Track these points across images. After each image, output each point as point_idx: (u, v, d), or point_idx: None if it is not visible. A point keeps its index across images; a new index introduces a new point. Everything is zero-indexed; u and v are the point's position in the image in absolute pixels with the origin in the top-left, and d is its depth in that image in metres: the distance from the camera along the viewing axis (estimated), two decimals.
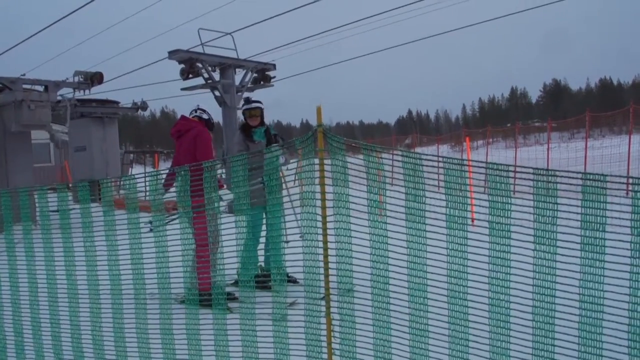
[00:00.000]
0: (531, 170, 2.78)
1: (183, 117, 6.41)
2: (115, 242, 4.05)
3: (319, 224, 3.32)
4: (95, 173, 19.57)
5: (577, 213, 2.76)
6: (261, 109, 6.95)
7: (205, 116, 6.38)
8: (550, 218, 2.80)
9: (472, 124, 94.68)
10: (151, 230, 4.06)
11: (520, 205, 2.91)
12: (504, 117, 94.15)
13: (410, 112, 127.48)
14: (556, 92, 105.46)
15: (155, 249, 3.91)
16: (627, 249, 2.70)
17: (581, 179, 2.75)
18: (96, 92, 20.46)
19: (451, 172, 2.95)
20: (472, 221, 3.17)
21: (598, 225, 2.74)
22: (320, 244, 3.34)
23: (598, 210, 2.72)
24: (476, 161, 2.98)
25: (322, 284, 3.38)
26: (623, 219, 2.73)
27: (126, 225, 4.05)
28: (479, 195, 3.02)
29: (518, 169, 2.84)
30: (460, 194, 2.96)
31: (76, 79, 16.42)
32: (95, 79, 16.56)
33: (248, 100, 7.21)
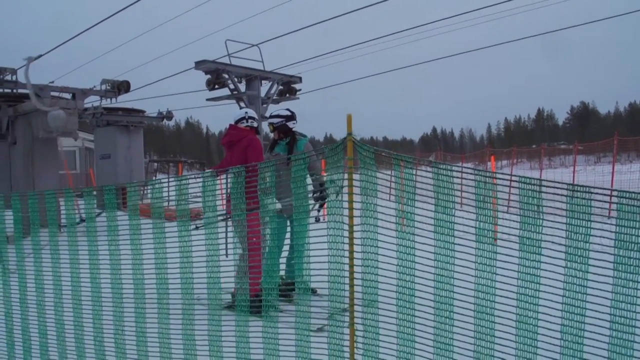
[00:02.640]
0: (565, 186, 2.73)
1: (233, 126, 6.43)
2: (149, 247, 4.06)
3: (346, 234, 3.30)
4: (119, 181, 19.75)
5: (611, 232, 2.71)
6: (273, 124, 6.91)
7: (255, 124, 6.41)
8: (582, 236, 2.75)
9: (497, 143, 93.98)
10: (196, 228, 4.07)
11: (551, 221, 2.86)
12: (530, 138, 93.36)
13: (434, 130, 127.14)
14: (584, 115, 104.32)
15: (191, 253, 3.92)
16: None
17: (617, 196, 2.70)
18: (122, 101, 20.76)
19: (481, 186, 2.92)
20: (496, 239, 3.12)
21: (632, 244, 2.68)
22: (346, 254, 3.32)
23: (632, 230, 2.67)
24: (510, 174, 2.94)
25: (347, 294, 3.35)
26: None
27: (154, 230, 4.07)
28: (510, 210, 2.98)
29: (551, 185, 2.80)
30: (490, 208, 2.92)
31: (103, 87, 16.66)
32: (122, 87, 16.79)
33: (271, 116, 7.21)
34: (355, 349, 3.37)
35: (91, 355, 4.30)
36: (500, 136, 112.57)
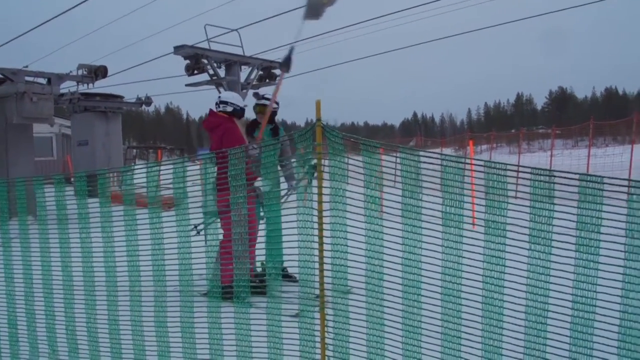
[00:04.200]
0: (529, 170, 2.78)
1: (211, 111, 6.27)
2: (120, 235, 4.04)
3: (315, 219, 3.32)
4: (97, 167, 19.53)
5: (573, 214, 2.76)
6: (266, 106, 6.75)
7: (229, 109, 6.16)
8: (546, 219, 2.80)
9: (476, 128, 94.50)
10: (198, 233, 4.04)
11: (517, 205, 2.91)
12: (509, 122, 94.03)
13: (415, 115, 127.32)
14: (562, 100, 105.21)
15: (172, 240, 3.90)
16: (622, 251, 2.71)
17: (579, 179, 2.75)
18: (100, 86, 20.51)
19: (449, 170, 2.95)
20: (473, 222, 3.17)
21: (593, 226, 2.74)
22: (316, 239, 3.34)
23: (593, 212, 2.73)
24: (476, 159, 2.98)
25: (317, 279, 3.38)
26: (619, 220, 2.73)
27: (129, 218, 4.05)
28: (477, 195, 3.02)
29: (515, 169, 2.85)
30: (457, 192, 2.96)
31: (80, 72, 16.42)
32: (99, 72, 16.58)
33: (258, 96, 7.11)
34: (325, 333, 3.41)
35: (63, 345, 4.28)
36: (480, 121, 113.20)
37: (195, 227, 4.14)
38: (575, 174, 2.76)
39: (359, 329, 3.33)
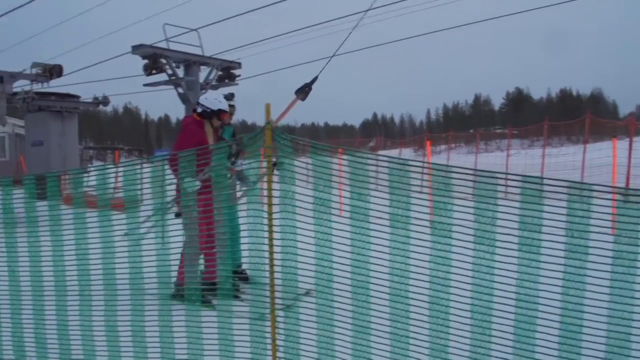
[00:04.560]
0: (472, 172, 2.85)
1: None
2: (69, 237, 3.97)
3: (265, 221, 3.34)
4: (52, 169, 19.06)
5: (516, 214, 2.85)
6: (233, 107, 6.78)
7: (199, 110, 6.17)
8: (490, 219, 2.88)
9: (435, 129, 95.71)
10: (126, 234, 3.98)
11: (462, 206, 2.98)
12: (467, 123, 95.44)
13: (375, 115, 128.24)
14: (518, 101, 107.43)
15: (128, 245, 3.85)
16: (562, 250, 2.80)
17: (520, 180, 2.84)
18: (56, 86, 20.10)
19: (395, 172, 3.01)
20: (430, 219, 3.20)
21: (535, 226, 2.83)
22: (266, 241, 3.36)
23: (534, 212, 2.81)
24: (418, 161, 3.04)
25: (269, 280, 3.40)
26: (559, 220, 2.82)
27: (78, 220, 3.98)
28: (424, 197, 3.08)
29: (461, 171, 2.92)
30: (404, 194, 3.01)
31: (34, 71, 16.04)
32: (54, 71, 16.26)
33: (227, 97, 6.86)
34: (276, 334, 3.43)
35: (8, 351, 4.19)
36: (439, 121, 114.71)
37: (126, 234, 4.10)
38: (517, 175, 2.85)
39: (310, 330, 3.36)
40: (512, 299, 2.89)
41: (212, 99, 6.18)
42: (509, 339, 2.93)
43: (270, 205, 3.30)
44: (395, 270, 3.08)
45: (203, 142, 5.91)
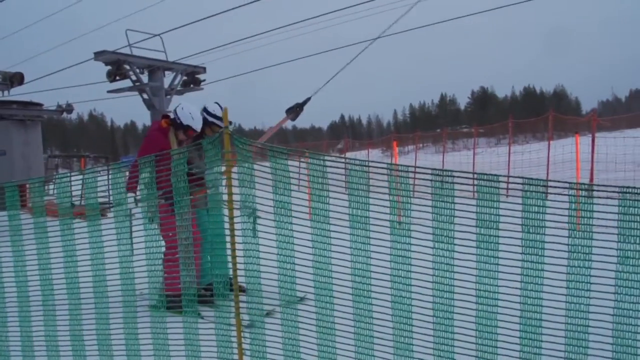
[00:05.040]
0: (429, 171, 2.89)
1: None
2: (57, 247, 3.90)
3: (227, 225, 3.34)
4: (16, 178, 18.65)
5: (473, 212, 2.89)
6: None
7: (172, 116, 6.03)
8: (447, 217, 2.92)
9: (402, 129, 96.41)
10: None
11: (420, 205, 3.02)
12: (434, 122, 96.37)
13: (342, 117, 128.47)
14: (483, 99, 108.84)
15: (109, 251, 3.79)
16: (519, 246, 2.86)
17: (477, 179, 2.89)
18: (18, 94, 19.72)
19: (354, 174, 3.03)
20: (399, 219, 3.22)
21: (492, 223, 2.88)
22: (228, 245, 3.35)
23: (492, 209, 2.87)
24: (378, 162, 3.07)
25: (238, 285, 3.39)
26: (515, 217, 2.88)
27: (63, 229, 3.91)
28: (383, 196, 3.10)
29: (418, 170, 2.95)
30: (363, 194, 3.04)
31: None
32: (15, 79, 15.92)
33: (214, 116, 6.40)
34: (242, 339, 3.42)
35: None
36: (406, 122, 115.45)
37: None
38: (472, 173, 2.90)
39: (275, 333, 3.37)
40: (472, 295, 2.94)
41: (186, 113, 5.92)
42: (471, 335, 2.98)
43: (231, 210, 3.29)
44: (356, 271, 3.10)
45: (165, 149, 5.84)
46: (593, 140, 14.31)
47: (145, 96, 15.90)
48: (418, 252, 3.02)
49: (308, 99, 5.98)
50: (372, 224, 3.06)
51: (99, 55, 15.17)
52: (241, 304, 3.55)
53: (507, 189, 3.18)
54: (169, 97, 16.25)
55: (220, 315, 3.47)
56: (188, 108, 6.00)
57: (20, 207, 4.15)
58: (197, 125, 5.94)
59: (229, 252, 3.65)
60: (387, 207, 3.01)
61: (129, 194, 4.27)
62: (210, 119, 6.24)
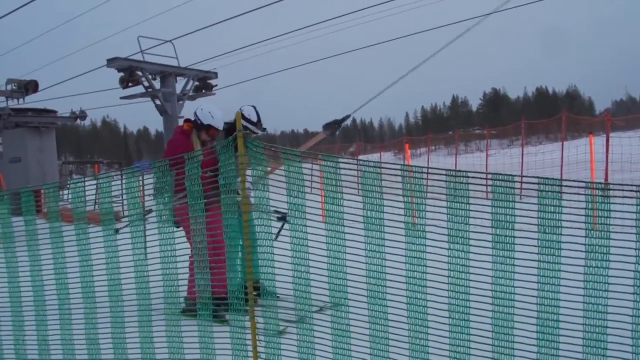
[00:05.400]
0: (444, 172, 2.88)
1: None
2: (73, 253, 3.92)
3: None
4: (31, 185, 18.79)
5: (489, 212, 2.88)
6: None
7: (193, 118, 5.92)
8: (462, 218, 2.91)
9: (414, 131, 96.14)
10: (117, 232, 3.89)
11: (434, 206, 3.00)
12: (446, 125, 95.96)
13: (354, 120, 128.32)
14: (495, 101, 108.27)
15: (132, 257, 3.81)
16: (535, 246, 2.84)
17: (492, 179, 2.87)
18: (32, 101, 19.93)
19: (368, 175, 3.03)
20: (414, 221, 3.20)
21: (508, 223, 2.86)
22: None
23: (507, 210, 2.85)
24: (391, 164, 3.06)
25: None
26: (531, 217, 2.86)
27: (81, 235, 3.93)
28: (397, 198, 3.09)
29: (431, 172, 2.94)
30: (377, 196, 3.03)
31: (9, 87, 15.87)
32: (29, 87, 16.10)
33: (259, 120, 6.19)
34: (257, 341, 3.42)
35: None
36: (418, 124, 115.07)
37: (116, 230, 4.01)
38: (488, 173, 2.88)
39: (290, 336, 3.36)
40: (488, 296, 2.91)
41: (206, 112, 5.84)
42: (487, 337, 2.96)
43: (245, 212, 3.30)
44: (371, 273, 3.09)
45: (171, 153, 5.73)
46: (607, 140, 14.20)
47: (157, 102, 16.01)
48: (433, 252, 3.00)
49: (347, 117, 5.92)
50: (387, 226, 3.04)
51: (111, 62, 15.29)
52: (265, 310, 3.54)
53: (521, 189, 3.15)
54: (181, 102, 16.34)
55: (245, 322, 3.46)
56: (207, 107, 5.92)
57: (35, 213, 4.19)
58: (218, 123, 5.85)
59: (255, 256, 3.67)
60: (402, 208, 2.99)
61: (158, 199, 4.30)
62: (244, 122, 5.92)
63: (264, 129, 6.26)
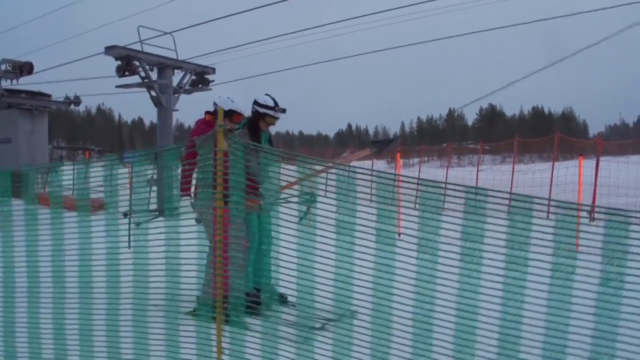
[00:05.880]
0: (416, 181, 2.91)
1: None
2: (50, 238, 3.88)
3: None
4: (20, 167, 18.61)
5: (459, 225, 2.90)
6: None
7: (212, 108, 5.73)
8: (432, 228, 2.93)
9: (409, 141, 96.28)
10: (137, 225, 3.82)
11: (409, 215, 3.03)
12: (441, 137, 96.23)
13: (349, 126, 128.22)
14: (492, 117, 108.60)
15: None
16: (502, 261, 2.87)
17: (464, 191, 2.90)
18: (28, 83, 19.83)
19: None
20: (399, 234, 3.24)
21: (477, 237, 2.89)
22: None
23: (477, 223, 2.88)
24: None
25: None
26: (500, 232, 2.89)
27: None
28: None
29: (406, 180, 2.97)
30: (349, 201, 3.05)
31: (3, 67, 15.80)
32: (24, 68, 16.03)
33: (276, 105, 6.00)
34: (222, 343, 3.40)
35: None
36: (413, 134, 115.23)
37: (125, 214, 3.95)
38: (462, 186, 2.91)
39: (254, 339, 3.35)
40: (453, 308, 2.94)
41: (224, 98, 5.64)
42: (449, 348, 2.98)
43: (220, 208, 3.30)
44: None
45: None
46: (597, 164, 14.33)
47: (153, 93, 15.93)
48: (401, 261, 3.02)
49: (397, 138, 5.89)
50: (358, 231, 3.06)
51: (109, 49, 15.24)
52: (285, 316, 3.51)
53: (510, 205, 3.17)
54: (176, 95, 16.28)
55: (266, 326, 3.44)
56: (225, 94, 5.75)
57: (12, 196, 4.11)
58: (239, 106, 5.69)
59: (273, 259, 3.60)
60: (374, 214, 3.01)
61: (184, 197, 4.22)
62: (262, 110, 5.93)
63: (284, 110, 6.06)
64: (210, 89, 17.08)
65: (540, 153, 51.89)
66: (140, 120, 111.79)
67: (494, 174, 22.32)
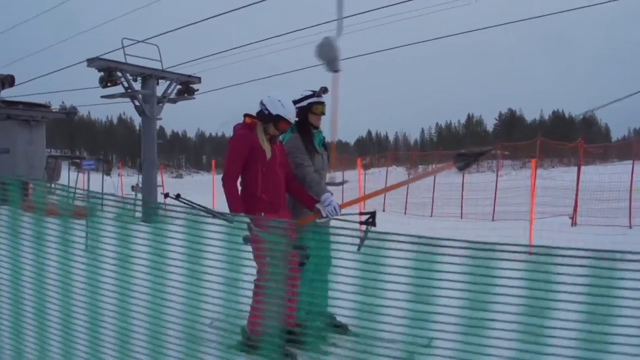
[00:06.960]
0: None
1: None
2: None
3: None
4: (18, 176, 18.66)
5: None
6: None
7: (258, 109, 4.84)
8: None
9: (429, 147, 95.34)
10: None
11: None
12: (460, 143, 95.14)
13: (369, 133, 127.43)
14: (511, 122, 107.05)
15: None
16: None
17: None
18: (25, 94, 19.87)
19: None
20: None
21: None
22: None
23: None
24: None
25: None
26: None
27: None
28: None
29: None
30: None
31: None
32: (6, 81, 15.93)
33: (317, 93, 5.15)
34: None
35: None
36: (433, 140, 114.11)
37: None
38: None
39: None
40: None
41: (275, 100, 4.73)
42: None
43: None
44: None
45: (256, 148, 4.65)
46: (579, 169, 13.68)
47: (137, 103, 15.78)
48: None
49: (487, 151, 5.12)
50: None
51: (91, 62, 15.31)
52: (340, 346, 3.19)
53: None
54: (160, 104, 16.12)
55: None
56: (276, 95, 4.77)
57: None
58: (290, 114, 4.75)
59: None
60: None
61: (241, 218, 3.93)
62: (305, 102, 5.07)
63: (325, 89, 5.16)
64: (194, 98, 16.86)
65: (560, 158, 50.88)
66: (162, 129, 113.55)
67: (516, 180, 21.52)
